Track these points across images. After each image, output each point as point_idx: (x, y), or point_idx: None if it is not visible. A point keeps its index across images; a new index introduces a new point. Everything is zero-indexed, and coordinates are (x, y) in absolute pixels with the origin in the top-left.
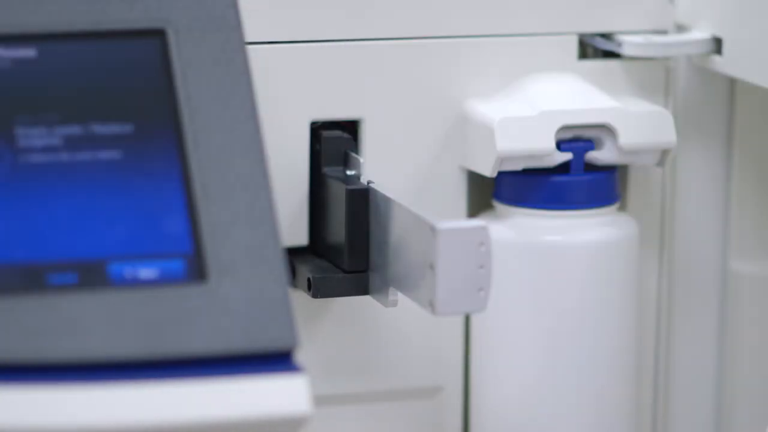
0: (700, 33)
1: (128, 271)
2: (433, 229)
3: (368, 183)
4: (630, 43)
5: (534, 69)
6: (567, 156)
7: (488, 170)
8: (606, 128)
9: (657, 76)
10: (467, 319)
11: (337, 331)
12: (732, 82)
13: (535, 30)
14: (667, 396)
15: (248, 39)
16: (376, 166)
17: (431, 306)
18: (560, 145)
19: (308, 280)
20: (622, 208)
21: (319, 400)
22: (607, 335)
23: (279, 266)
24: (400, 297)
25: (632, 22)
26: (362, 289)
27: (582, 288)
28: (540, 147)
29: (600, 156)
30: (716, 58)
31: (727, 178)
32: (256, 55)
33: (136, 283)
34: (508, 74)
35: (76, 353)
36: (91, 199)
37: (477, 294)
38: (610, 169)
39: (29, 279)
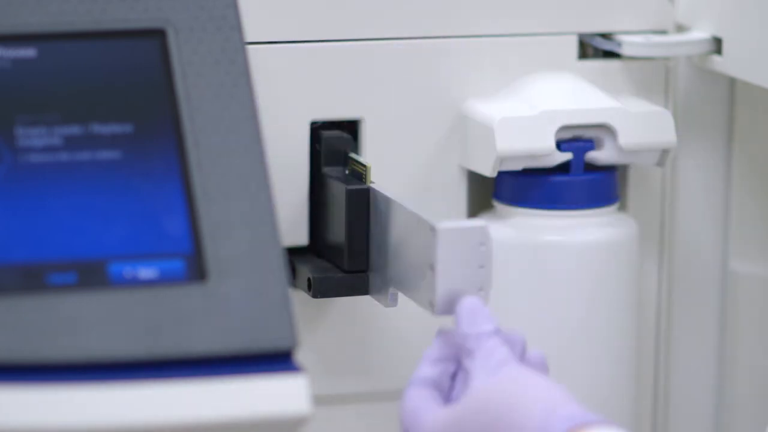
0: (700, 33)
1: (128, 271)
2: (432, 229)
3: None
4: (630, 43)
5: (534, 69)
6: (567, 156)
7: (488, 170)
8: (606, 128)
9: (657, 76)
10: None
11: (337, 331)
12: (732, 82)
13: (535, 30)
14: (667, 395)
15: (248, 39)
16: (376, 166)
17: (431, 306)
18: (560, 145)
19: (308, 280)
20: (622, 208)
21: (319, 400)
22: (607, 335)
23: (279, 266)
24: (400, 297)
25: (632, 22)
26: (362, 289)
27: (582, 288)
28: (540, 147)
29: (600, 156)
30: (716, 58)
31: (727, 178)
32: (256, 55)
33: (136, 283)
34: (508, 74)
35: (76, 353)
36: (91, 199)
37: (477, 294)
38: (610, 169)
39: (29, 279)
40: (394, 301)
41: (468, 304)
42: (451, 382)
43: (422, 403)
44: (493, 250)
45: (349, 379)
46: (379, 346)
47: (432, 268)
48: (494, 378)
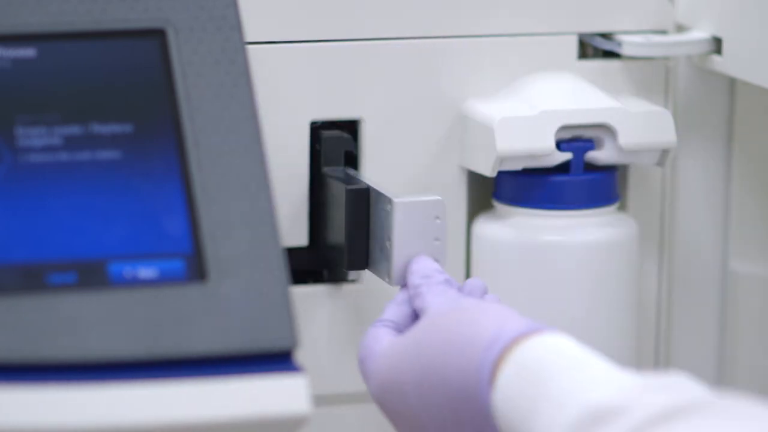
0: (700, 33)
1: (128, 271)
2: (390, 203)
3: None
4: (630, 43)
5: (534, 69)
6: (567, 156)
7: (488, 170)
8: (606, 128)
9: (657, 76)
10: None
11: (337, 331)
12: (732, 82)
13: (535, 30)
14: None
15: (248, 39)
16: (376, 166)
17: (388, 277)
18: (560, 145)
19: None
20: (622, 208)
21: (319, 400)
22: (607, 335)
23: (279, 266)
24: None
25: (632, 22)
26: (324, 264)
27: (582, 288)
28: (540, 147)
29: (600, 156)
30: (716, 58)
31: (727, 178)
32: (256, 55)
33: (136, 283)
34: (508, 74)
35: (76, 353)
36: (91, 199)
37: None
38: (610, 169)
39: (29, 279)
40: (354, 277)
41: (419, 261)
42: (411, 323)
43: (377, 335)
44: (492, 250)
45: (349, 379)
46: None
47: (389, 239)
48: (450, 304)
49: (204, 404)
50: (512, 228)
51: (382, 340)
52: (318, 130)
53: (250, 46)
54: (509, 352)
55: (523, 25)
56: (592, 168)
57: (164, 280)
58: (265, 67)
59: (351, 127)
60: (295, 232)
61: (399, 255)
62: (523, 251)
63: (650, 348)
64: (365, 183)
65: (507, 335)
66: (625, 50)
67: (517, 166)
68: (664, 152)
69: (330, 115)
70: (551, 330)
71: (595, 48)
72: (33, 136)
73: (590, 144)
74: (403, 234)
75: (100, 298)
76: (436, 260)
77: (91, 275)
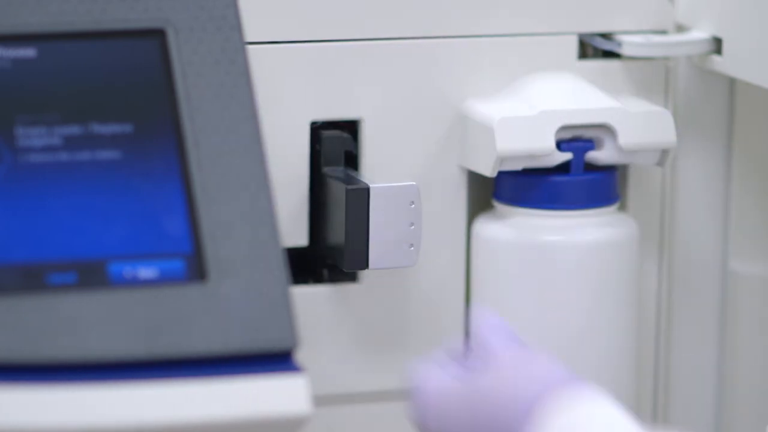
0: (700, 33)
1: (128, 271)
2: (367, 189)
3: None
4: (630, 43)
5: (534, 69)
6: (567, 156)
7: (488, 170)
8: (606, 128)
9: (657, 76)
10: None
11: (336, 331)
12: (732, 82)
13: (535, 30)
14: (667, 396)
15: (248, 39)
16: (376, 166)
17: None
18: (560, 145)
19: None
20: (622, 208)
21: (319, 400)
22: (607, 335)
23: (279, 266)
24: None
25: (632, 22)
26: (324, 264)
27: (582, 288)
28: (540, 147)
29: (600, 156)
30: (716, 58)
31: (727, 178)
32: (256, 55)
33: (136, 283)
34: (508, 74)
35: (76, 353)
36: (91, 199)
37: (408, 250)
38: (610, 169)
39: (29, 279)
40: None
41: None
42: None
43: (435, 374)
44: (492, 250)
45: (350, 379)
46: (380, 346)
47: (367, 225)
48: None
49: (204, 404)
50: (512, 228)
51: (439, 380)
52: (318, 130)
53: (250, 46)
54: (549, 416)
55: (523, 25)
56: (592, 168)
57: (164, 280)
58: (265, 67)
59: (351, 127)
60: (295, 232)
61: (376, 239)
62: (523, 251)
63: (650, 348)
64: (365, 183)
65: (546, 400)
66: (625, 50)
67: (517, 166)
68: (664, 152)
69: (330, 115)
70: (590, 390)
71: (595, 48)
72: (33, 136)
73: (590, 144)
74: (379, 219)
75: (100, 298)
76: (412, 245)
77: (91, 275)
